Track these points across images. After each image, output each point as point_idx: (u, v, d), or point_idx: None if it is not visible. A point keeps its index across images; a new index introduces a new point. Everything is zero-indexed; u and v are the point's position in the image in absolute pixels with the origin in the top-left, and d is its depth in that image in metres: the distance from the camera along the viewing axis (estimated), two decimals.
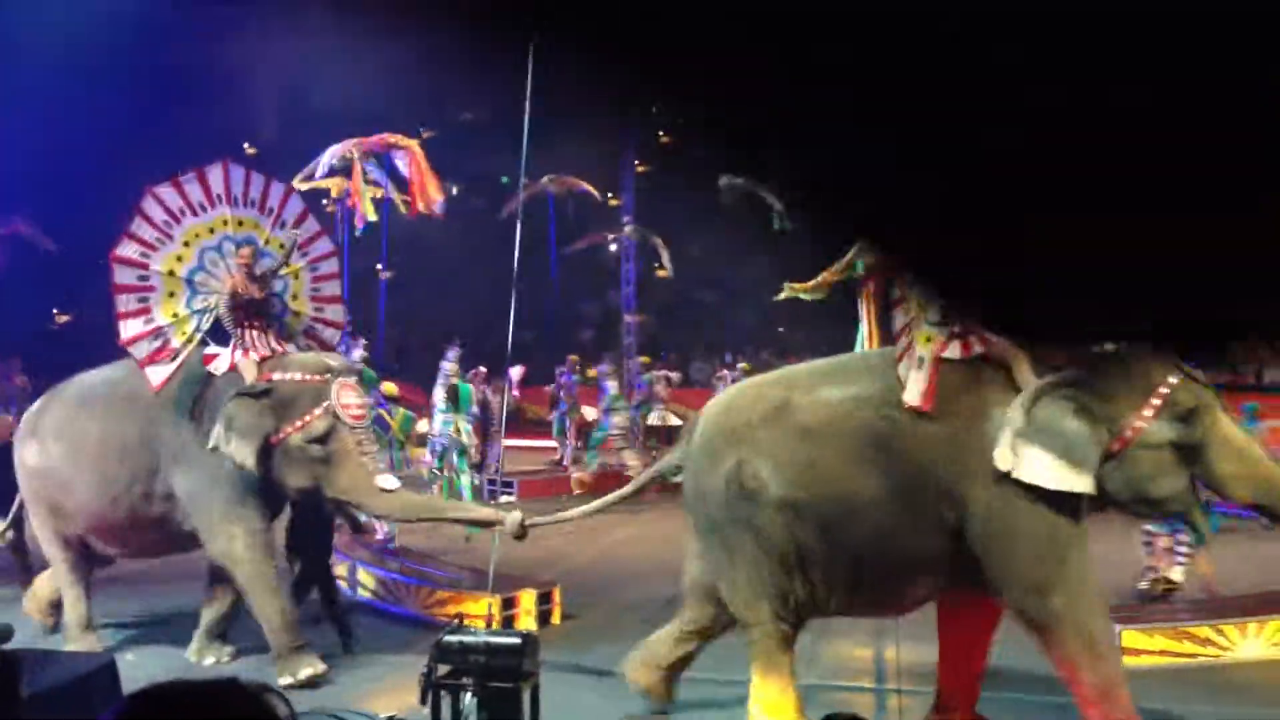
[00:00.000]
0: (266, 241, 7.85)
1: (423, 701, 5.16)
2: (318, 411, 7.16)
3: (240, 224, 7.75)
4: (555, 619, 8.60)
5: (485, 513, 7.72)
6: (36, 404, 8.39)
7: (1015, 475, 5.31)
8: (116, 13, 16.63)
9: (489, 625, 7.61)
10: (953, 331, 5.72)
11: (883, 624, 8.15)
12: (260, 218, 7.83)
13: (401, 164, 15.28)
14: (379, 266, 26.91)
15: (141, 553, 8.36)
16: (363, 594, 9.42)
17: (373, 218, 15.85)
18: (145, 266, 7.53)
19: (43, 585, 8.49)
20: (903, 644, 7.19)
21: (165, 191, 7.61)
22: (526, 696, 5.11)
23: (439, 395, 13.15)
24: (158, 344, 7.54)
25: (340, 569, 9.37)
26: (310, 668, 7.25)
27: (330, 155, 15.62)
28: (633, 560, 9.64)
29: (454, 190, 23.42)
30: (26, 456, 8.11)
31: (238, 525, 7.41)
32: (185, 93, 21.39)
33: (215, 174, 7.68)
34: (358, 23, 22.74)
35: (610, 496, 7.08)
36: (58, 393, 8.26)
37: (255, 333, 7.58)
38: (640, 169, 19.43)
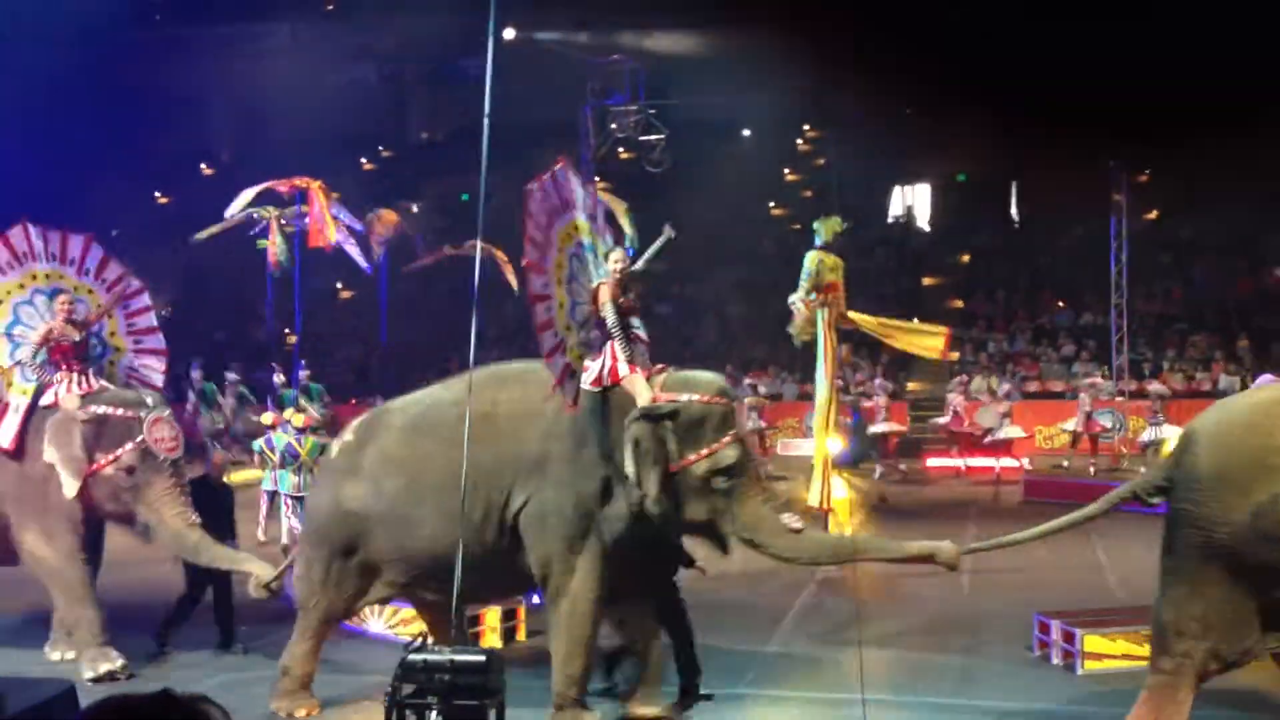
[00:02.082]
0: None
1: None
2: (726, 439, 6.45)
3: (588, 231, 6.98)
4: (520, 635, 8.59)
5: (913, 548, 6.67)
6: (346, 439, 7.39)
7: None
8: (76, 33, 16.57)
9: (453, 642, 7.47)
10: None
11: (847, 633, 8.21)
12: (595, 225, 7.06)
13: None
14: (338, 285, 26.90)
15: (487, 596, 7.44)
16: None
17: (333, 238, 16.88)
18: (544, 272, 6.61)
19: None
20: (866, 653, 7.24)
21: (535, 193, 6.69)
22: (492, 715, 5.11)
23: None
24: (565, 359, 6.59)
25: None
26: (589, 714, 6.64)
27: (247, 196, 16.84)
28: None
29: (414, 208, 23.44)
30: (345, 499, 7.04)
31: (582, 558, 6.59)
32: (144, 113, 21.31)
33: (569, 178, 6.89)
34: (318, 45, 22.76)
35: (1065, 519, 6.25)
36: (376, 424, 7.32)
37: (638, 346, 6.82)
38: (601, 186, 19.52)
